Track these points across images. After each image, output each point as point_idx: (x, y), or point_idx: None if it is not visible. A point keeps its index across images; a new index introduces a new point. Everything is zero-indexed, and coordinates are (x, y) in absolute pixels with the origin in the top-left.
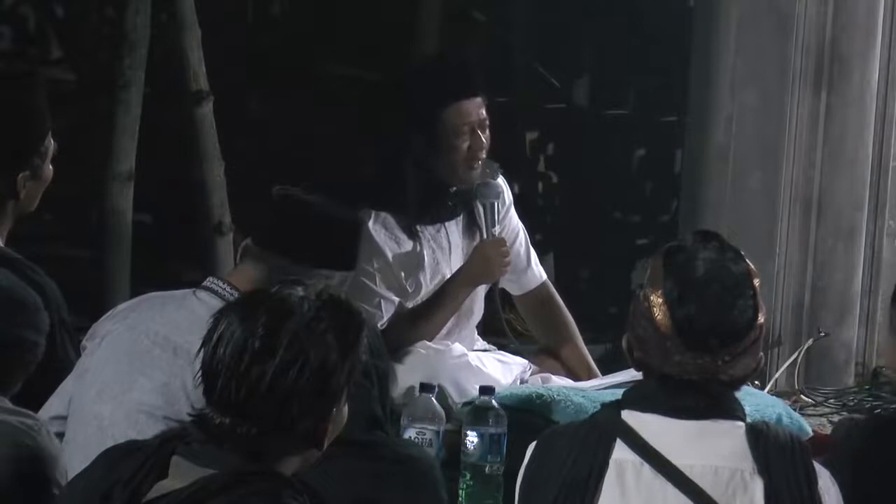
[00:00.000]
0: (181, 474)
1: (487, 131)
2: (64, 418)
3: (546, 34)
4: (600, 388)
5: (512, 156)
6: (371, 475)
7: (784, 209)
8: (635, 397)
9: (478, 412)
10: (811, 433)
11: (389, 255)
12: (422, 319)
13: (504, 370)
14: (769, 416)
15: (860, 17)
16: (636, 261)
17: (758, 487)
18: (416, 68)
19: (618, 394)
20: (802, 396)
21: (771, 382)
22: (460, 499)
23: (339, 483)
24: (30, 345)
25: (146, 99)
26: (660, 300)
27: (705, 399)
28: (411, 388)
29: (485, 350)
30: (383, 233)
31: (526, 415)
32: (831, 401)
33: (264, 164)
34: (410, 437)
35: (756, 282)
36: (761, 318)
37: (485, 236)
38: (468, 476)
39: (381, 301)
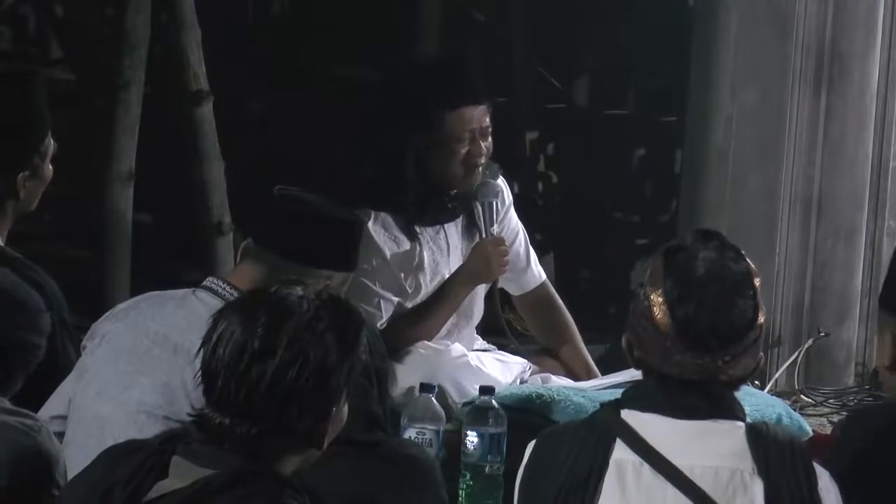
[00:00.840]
0: (181, 474)
1: (489, 139)
2: (64, 418)
3: (546, 34)
4: (600, 388)
5: (512, 156)
6: (371, 475)
7: (784, 209)
8: (635, 397)
9: (478, 412)
10: (811, 433)
11: (389, 256)
12: (421, 319)
13: (504, 370)
14: (769, 416)
15: (860, 17)
16: (636, 261)
17: (758, 488)
18: (423, 68)
19: (618, 394)
20: (802, 396)
21: (771, 382)
22: (460, 499)
23: (339, 483)
24: (31, 346)
25: (146, 99)
26: (660, 300)
27: (705, 399)
28: (411, 388)
29: (484, 350)
30: (383, 233)
31: (526, 415)
32: (831, 401)
33: (264, 165)
34: (410, 437)
35: (756, 281)
36: (761, 318)
37: (484, 236)
38: (468, 476)
39: (381, 301)
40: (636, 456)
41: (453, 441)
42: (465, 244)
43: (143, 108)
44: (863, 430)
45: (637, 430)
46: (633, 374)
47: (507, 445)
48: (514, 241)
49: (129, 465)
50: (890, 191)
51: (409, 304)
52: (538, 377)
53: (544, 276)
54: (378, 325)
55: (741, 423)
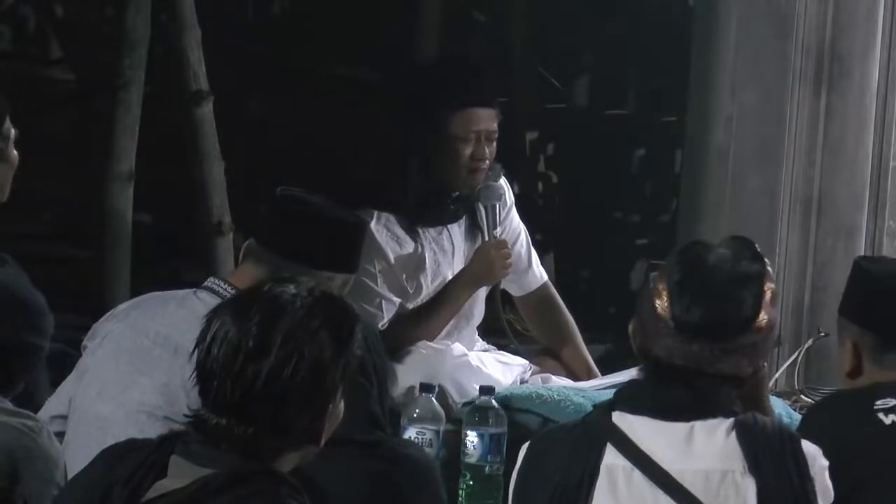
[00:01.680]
0: (180, 474)
1: (494, 145)
2: (64, 418)
3: (546, 34)
4: (600, 388)
5: (512, 156)
6: (371, 475)
7: (784, 209)
8: (625, 397)
9: (478, 412)
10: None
11: (391, 256)
12: (423, 320)
13: (504, 370)
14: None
15: (860, 17)
16: (636, 261)
17: (750, 487)
18: (432, 67)
19: None
20: (802, 396)
21: (771, 382)
22: (460, 499)
23: (338, 483)
24: (33, 348)
25: (146, 99)
26: (663, 285)
27: (690, 394)
28: (411, 388)
29: (485, 350)
30: (385, 233)
31: (526, 415)
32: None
33: (264, 164)
34: (410, 437)
35: (769, 286)
36: (762, 321)
37: (486, 238)
38: (468, 476)
39: (382, 301)
40: (626, 461)
41: (453, 441)
42: (467, 245)
43: (143, 108)
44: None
45: (627, 434)
46: (632, 374)
47: (507, 445)
48: (515, 242)
49: (129, 465)
50: (890, 191)
51: (410, 305)
52: (538, 377)
53: (545, 277)
54: (379, 326)
55: (730, 420)
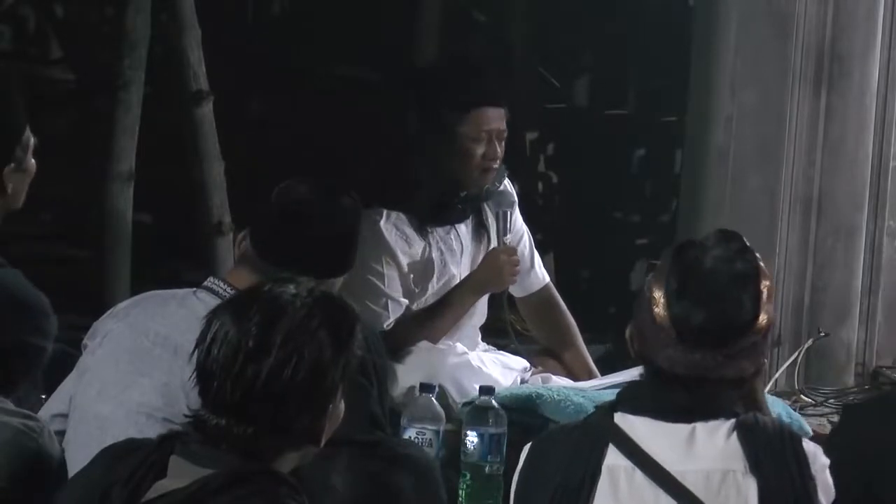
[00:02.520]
0: (180, 474)
1: (503, 143)
2: (65, 416)
3: (546, 34)
4: (600, 388)
5: (512, 156)
6: (371, 475)
7: (784, 209)
8: (627, 398)
9: (478, 412)
10: (811, 433)
11: (400, 255)
12: (427, 322)
13: (504, 370)
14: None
15: (860, 17)
16: (636, 261)
17: (751, 487)
18: (443, 67)
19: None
20: (802, 396)
21: (771, 382)
22: (460, 499)
23: (338, 483)
24: (35, 350)
25: (146, 99)
26: (660, 292)
27: (693, 399)
28: (411, 388)
29: (485, 350)
30: (394, 232)
31: (526, 415)
32: (831, 401)
33: (264, 164)
34: (410, 437)
35: (765, 284)
36: (762, 321)
37: (496, 244)
38: (468, 476)
39: (388, 302)
40: (628, 462)
41: (453, 441)
42: (474, 246)
43: (143, 108)
44: (861, 420)
45: (629, 435)
46: (633, 375)
47: (507, 445)
48: (518, 243)
49: (128, 465)
50: (890, 191)
51: (416, 305)
52: (538, 377)
53: (547, 279)
54: (385, 326)
55: (732, 421)
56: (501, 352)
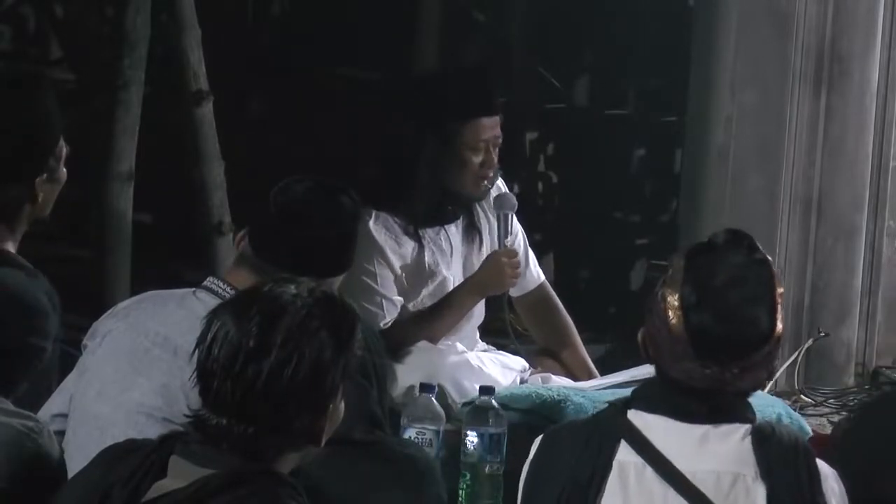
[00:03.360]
0: (180, 474)
1: (498, 149)
2: (65, 416)
3: (546, 34)
4: (600, 387)
5: (512, 156)
6: (370, 475)
7: (784, 209)
8: (642, 397)
9: (478, 412)
10: (811, 433)
11: (390, 255)
12: (426, 323)
13: (504, 370)
14: (769, 416)
15: (860, 17)
16: (636, 261)
17: (760, 492)
18: (439, 75)
19: (618, 393)
20: (802, 396)
21: (771, 382)
22: (460, 499)
23: (338, 483)
24: (36, 350)
25: (146, 99)
26: (675, 303)
27: (710, 406)
28: (411, 388)
29: (484, 350)
30: (384, 232)
31: (526, 415)
32: (831, 401)
33: (264, 164)
34: (410, 437)
35: (779, 291)
36: (779, 330)
37: (497, 246)
38: (468, 476)
39: (384, 301)
40: (639, 458)
41: (453, 441)
42: (465, 247)
43: (143, 108)
44: (873, 427)
45: (642, 432)
46: (632, 374)
47: (507, 445)
48: (513, 242)
49: (128, 465)
50: (890, 191)
51: (410, 304)
52: (538, 377)
53: (543, 278)
54: (382, 325)
55: (747, 426)
56: (501, 352)
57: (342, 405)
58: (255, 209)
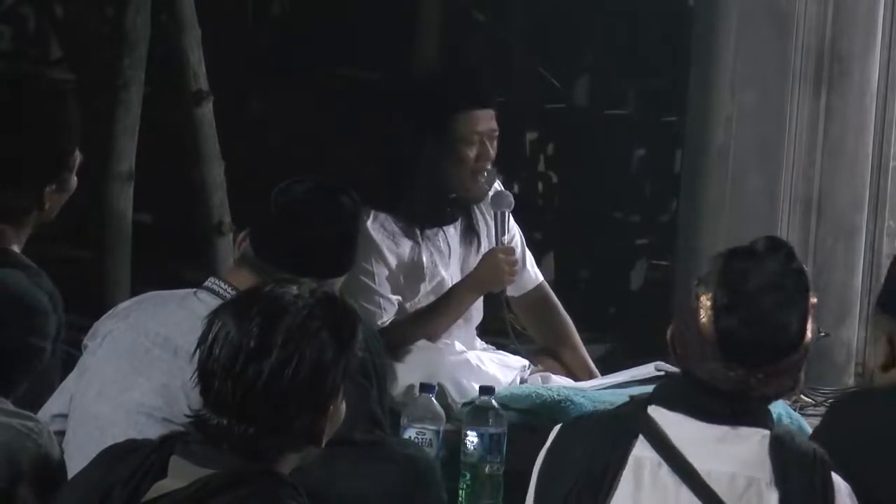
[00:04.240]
0: (180, 474)
1: (495, 142)
2: (65, 416)
3: (546, 34)
4: (600, 387)
5: (512, 156)
6: (370, 475)
7: (784, 209)
8: (664, 394)
9: (478, 412)
10: (811, 433)
11: (388, 255)
12: (425, 323)
13: (503, 369)
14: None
15: (860, 17)
16: (636, 261)
17: (773, 498)
18: (431, 73)
19: (618, 393)
20: (802, 396)
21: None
22: (460, 499)
23: (338, 483)
24: (35, 350)
25: (146, 99)
26: (708, 303)
27: (731, 408)
28: (411, 387)
29: (484, 350)
30: (382, 233)
31: (526, 415)
32: (831, 401)
33: (264, 164)
34: (410, 437)
35: (811, 301)
36: (807, 339)
37: (494, 244)
38: (468, 476)
39: (382, 300)
40: (655, 454)
41: (453, 441)
42: (463, 247)
43: (143, 108)
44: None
45: (661, 428)
46: (633, 374)
47: (507, 445)
48: (510, 242)
49: (128, 465)
50: (890, 191)
51: (409, 305)
52: (538, 376)
53: (541, 278)
54: (380, 324)
55: (766, 432)
56: (500, 351)
57: (343, 406)
58: (256, 209)
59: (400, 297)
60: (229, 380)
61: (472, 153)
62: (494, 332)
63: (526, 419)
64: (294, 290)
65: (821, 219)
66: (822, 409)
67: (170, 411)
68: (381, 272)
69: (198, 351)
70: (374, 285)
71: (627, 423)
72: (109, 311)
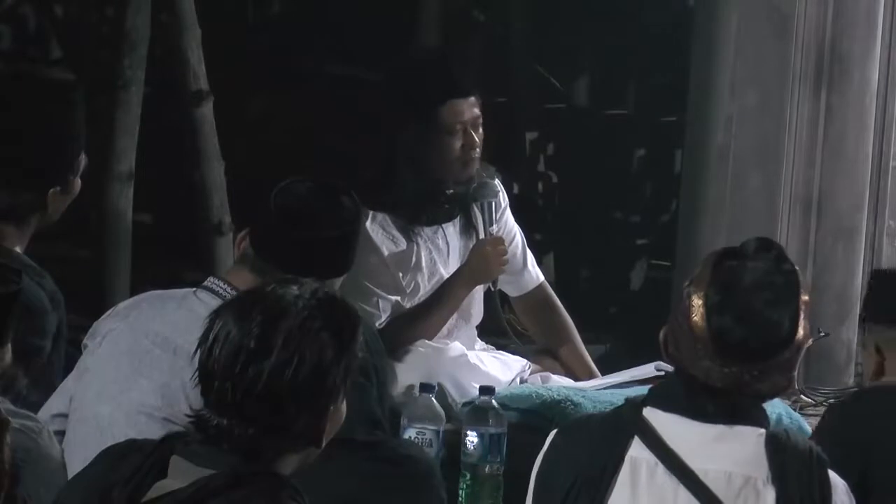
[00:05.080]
0: (180, 474)
1: (481, 129)
2: (65, 416)
3: (546, 34)
4: (600, 387)
5: (512, 156)
6: (370, 476)
7: (784, 209)
8: (659, 395)
9: (478, 412)
10: (811, 433)
11: (387, 255)
12: (421, 319)
13: (503, 369)
14: (769, 416)
15: (860, 17)
16: (636, 261)
17: (770, 496)
18: (410, 66)
19: (618, 393)
20: (802, 396)
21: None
22: (460, 499)
23: (338, 483)
24: (34, 348)
25: (146, 99)
26: (699, 302)
27: (727, 406)
28: (411, 387)
29: (484, 350)
30: (381, 232)
31: (526, 415)
32: (831, 401)
33: (264, 164)
34: (410, 437)
35: (804, 299)
36: (800, 336)
37: (482, 235)
38: (468, 476)
39: (379, 300)
40: (652, 455)
41: (453, 441)
42: (462, 245)
43: (143, 108)
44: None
45: (656, 429)
46: (633, 374)
47: (507, 445)
48: (510, 243)
49: (129, 465)
50: (890, 191)
51: (408, 304)
52: (538, 376)
53: (542, 278)
54: (377, 324)
55: (762, 430)
56: (500, 351)
57: (343, 406)
58: (256, 210)
59: (399, 297)
60: (229, 380)
61: (457, 143)
62: (494, 333)
63: (526, 419)
64: (295, 290)
65: (821, 219)
66: (822, 409)
67: (170, 411)
68: (380, 273)
69: (198, 351)
70: (371, 286)
71: (623, 424)
72: (109, 311)
